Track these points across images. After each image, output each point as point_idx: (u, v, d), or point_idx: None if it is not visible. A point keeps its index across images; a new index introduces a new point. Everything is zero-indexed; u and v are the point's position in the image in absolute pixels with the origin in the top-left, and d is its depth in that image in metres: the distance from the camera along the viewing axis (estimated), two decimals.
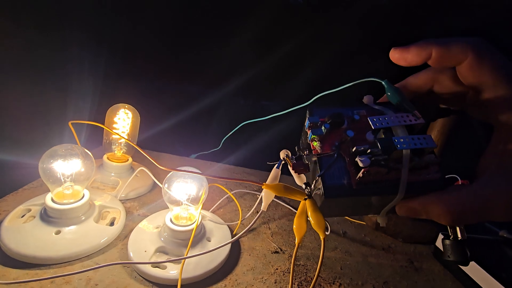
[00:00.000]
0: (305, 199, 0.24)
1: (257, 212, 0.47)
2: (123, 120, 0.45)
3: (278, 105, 0.66)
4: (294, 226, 0.24)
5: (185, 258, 0.30)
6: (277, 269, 0.35)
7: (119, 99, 0.47)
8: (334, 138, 0.23)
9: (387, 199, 0.22)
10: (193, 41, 0.62)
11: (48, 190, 0.34)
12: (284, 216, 0.48)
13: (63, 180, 0.33)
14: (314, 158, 0.23)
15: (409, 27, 0.56)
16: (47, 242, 0.30)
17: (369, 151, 0.21)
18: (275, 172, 0.27)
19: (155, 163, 0.28)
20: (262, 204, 0.28)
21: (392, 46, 0.23)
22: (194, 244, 0.34)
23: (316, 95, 0.25)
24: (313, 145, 0.23)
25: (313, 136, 0.23)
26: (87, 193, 0.35)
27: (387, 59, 0.23)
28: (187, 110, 0.66)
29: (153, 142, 0.63)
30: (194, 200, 0.34)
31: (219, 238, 0.36)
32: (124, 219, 0.38)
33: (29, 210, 0.35)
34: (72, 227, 0.33)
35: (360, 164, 0.21)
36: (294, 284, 0.33)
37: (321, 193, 0.22)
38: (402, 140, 0.21)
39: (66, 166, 0.33)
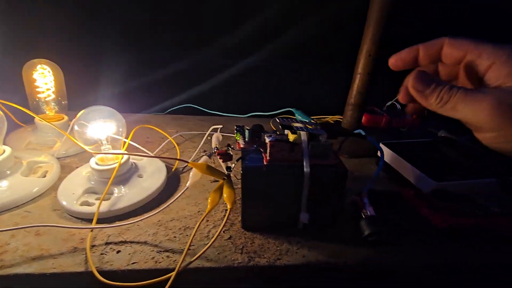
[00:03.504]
0: (224, 179, 0.29)
1: (205, 151, 0.48)
2: (43, 77, 0.43)
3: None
4: (209, 199, 0.28)
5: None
6: None
7: (42, 56, 0.44)
8: (255, 142, 0.30)
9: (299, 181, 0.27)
10: None
11: None
12: None
13: None
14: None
15: None
16: None
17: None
18: (204, 158, 0.32)
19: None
20: (189, 181, 0.30)
21: None
22: (125, 180, 0.34)
23: None
24: (238, 142, 0.31)
25: (237, 134, 0.32)
26: (8, 149, 0.35)
27: None
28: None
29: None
30: (114, 140, 0.34)
31: (152, 174, 0.37)
32: (59, 172, 0.38)
33: None
34: None
35: (267, 140, 0.27)
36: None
37: (241, 172, 0.27)
38: (299, 127, 0.28)
39: None
